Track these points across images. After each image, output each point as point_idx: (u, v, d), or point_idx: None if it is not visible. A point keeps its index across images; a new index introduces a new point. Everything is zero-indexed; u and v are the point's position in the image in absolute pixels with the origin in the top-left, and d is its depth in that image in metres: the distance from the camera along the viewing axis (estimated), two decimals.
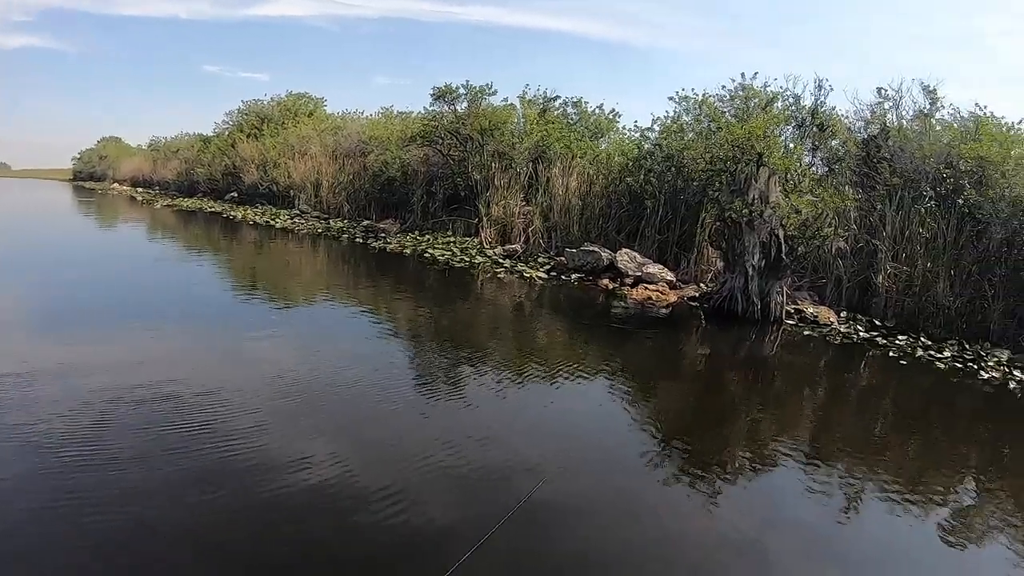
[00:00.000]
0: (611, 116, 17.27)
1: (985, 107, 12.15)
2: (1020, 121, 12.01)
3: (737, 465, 5.55)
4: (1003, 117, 12.06)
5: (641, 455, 5.47)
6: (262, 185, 26.88)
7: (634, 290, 12.28)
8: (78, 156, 74.16)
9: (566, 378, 7.28)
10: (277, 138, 27.61)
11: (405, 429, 5.55)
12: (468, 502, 4.43)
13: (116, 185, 48.36)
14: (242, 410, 5.63)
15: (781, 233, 10.74)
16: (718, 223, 11.87)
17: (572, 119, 17.13)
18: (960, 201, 11.01)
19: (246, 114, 32.39)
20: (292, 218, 22.10)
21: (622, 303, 11.57)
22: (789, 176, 11.45)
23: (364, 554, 3.82)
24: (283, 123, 29.21)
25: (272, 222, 21.22)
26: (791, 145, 12.35)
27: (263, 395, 6.05)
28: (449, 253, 15.10)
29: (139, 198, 34.90)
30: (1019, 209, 10.70)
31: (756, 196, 10.91)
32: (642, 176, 14.02)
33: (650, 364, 8.81)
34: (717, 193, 11.58)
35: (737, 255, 11.06)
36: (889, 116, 12.73)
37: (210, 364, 7.05)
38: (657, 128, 14.66)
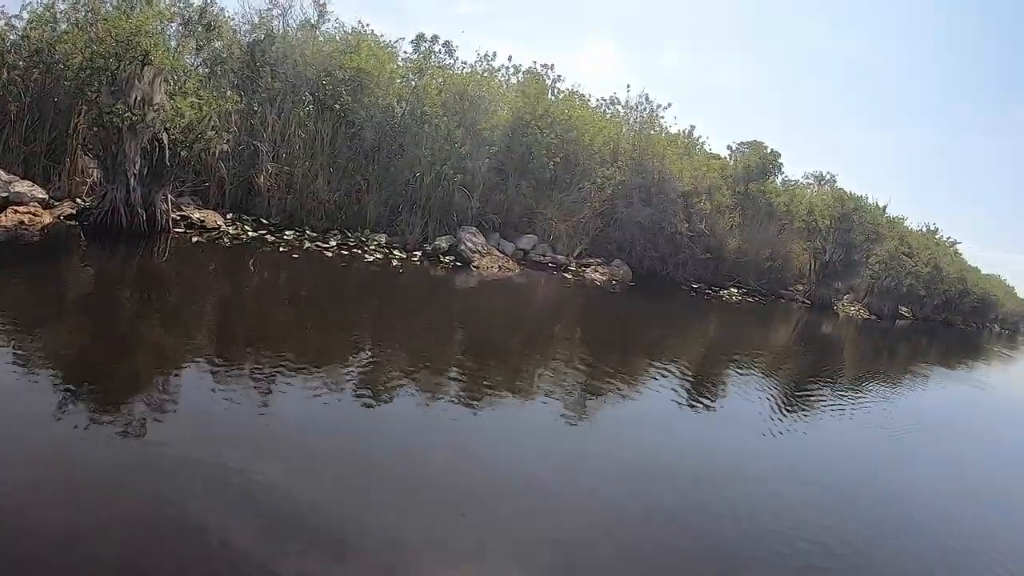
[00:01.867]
0: None
1: (368, 25, 12.86)
2: (396, 41, 13.29)
3: (155, 390, 4.92)
4: (383, 35, 12.98)
5: (52, 402, 4.34)
6: None
7: (2, 216, 9.72)
8: None
9: None
10: None
11: None
12: None
13: None
14: None
15: (165, 137, 9.78)
16: (95, 128, 10.12)
17: None
18: (337, 106, 11.33)
19: None
20: None
21: None
22: (175, 77, 10.26)
23: None
24: None
25: None
26: (174, 44, 11.03)
27: None
28: None
29: None
30: (389, 115, 11.48)
31: (139, 98, 9.58)
32: (5, 74, 11.12)
33: (33, 304, 6.61)
34: (96, 95, 9.79)
35: (118, 163, 9.72)
36: (276, 23, 12.42)
37: None
38: (26, 16, 11.76)
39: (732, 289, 18.34)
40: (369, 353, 6.27)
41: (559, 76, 15.54)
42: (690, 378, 7.78)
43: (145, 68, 9.70)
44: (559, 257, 13.65)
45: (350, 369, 5.70)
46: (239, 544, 3.24)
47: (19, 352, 5.21)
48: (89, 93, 10.14)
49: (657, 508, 4.39)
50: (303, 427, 4.57)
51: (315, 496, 3.77)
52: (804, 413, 7.45)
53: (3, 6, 12.79)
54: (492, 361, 6.82)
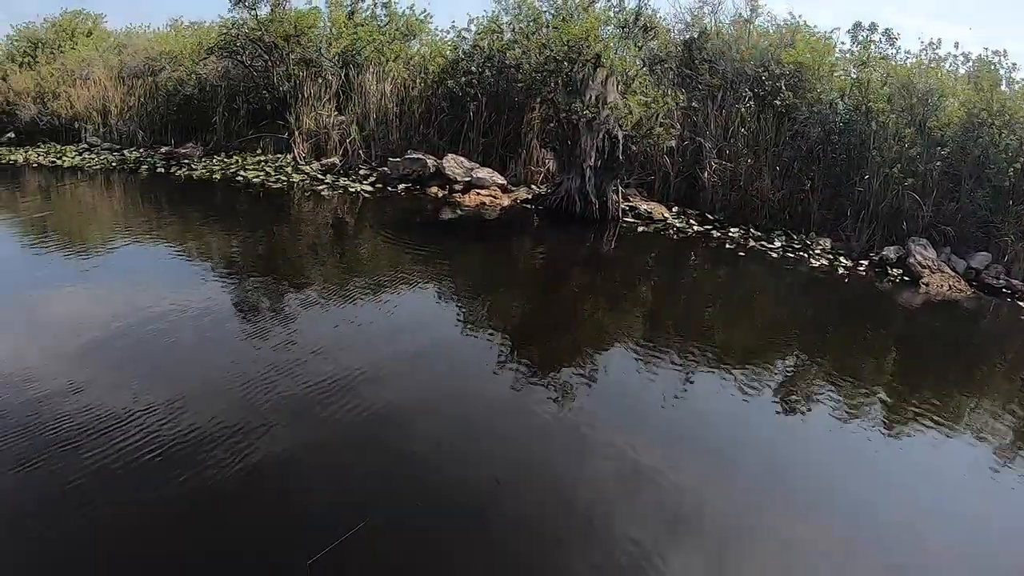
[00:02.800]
0: (423, 16, 15.36)
1: (800, 16, 12.07)
2: (832, 31, 12.09)
3: (583, 362, 5.33)
4: (815, 26, 12.06)
5: (493, 360, 5.07)
6: (42, 120, 21.89)
7: (466, 196, 10.89)
8: None
9: (424, 294, 6.51)
10: (54, 64, 22.75)
11: (251, 385, 4.41)
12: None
13: None
14: (59, 382, 4.20)
15: (619, 133, 9.93)
16: (551, 124, 10.80)
17: (382, 21, 15.06)
18: (778, 103, 10.70)
19: (17, 40, 26.62)
20: (81, 154, 17.60)
21: (456, 211, 10.28)
22: (625, 77, 10.61)
23: None
24: (59, 47, 24.22)
25: (58, 161, 16.43)
26: (615, 45, 11.42)
27: (83, 361, 4.64)
28: (263, 174, 12.65)
29: None
30: (833, 111, 10.60)
31: (594, 97, 9.96)
32: (462, 78, 12.49)
33: (501, 270, 8.05)
34: (553, 94, 10.46)
35: (574, 156, 10.09)
36: (707, 20, 12.20)
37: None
38: (474, 28, 13.18)
39: None
40: (794, 361, 5.92)
41: (1014, 64, 13.07)
42: None
43: (598, 70, 10.08)
44: (1015, 282, 11.37)
45: (772, 372, 5.49)
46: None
47: (472, 306, 6.30)
48: (546, 92, 10.80)
49: None
50: (713, 423, 4.58)
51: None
52: None
53: (453, 21, 14.47)
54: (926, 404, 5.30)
